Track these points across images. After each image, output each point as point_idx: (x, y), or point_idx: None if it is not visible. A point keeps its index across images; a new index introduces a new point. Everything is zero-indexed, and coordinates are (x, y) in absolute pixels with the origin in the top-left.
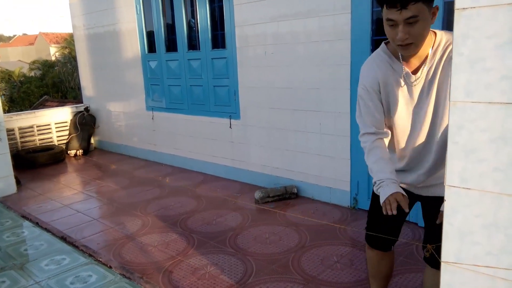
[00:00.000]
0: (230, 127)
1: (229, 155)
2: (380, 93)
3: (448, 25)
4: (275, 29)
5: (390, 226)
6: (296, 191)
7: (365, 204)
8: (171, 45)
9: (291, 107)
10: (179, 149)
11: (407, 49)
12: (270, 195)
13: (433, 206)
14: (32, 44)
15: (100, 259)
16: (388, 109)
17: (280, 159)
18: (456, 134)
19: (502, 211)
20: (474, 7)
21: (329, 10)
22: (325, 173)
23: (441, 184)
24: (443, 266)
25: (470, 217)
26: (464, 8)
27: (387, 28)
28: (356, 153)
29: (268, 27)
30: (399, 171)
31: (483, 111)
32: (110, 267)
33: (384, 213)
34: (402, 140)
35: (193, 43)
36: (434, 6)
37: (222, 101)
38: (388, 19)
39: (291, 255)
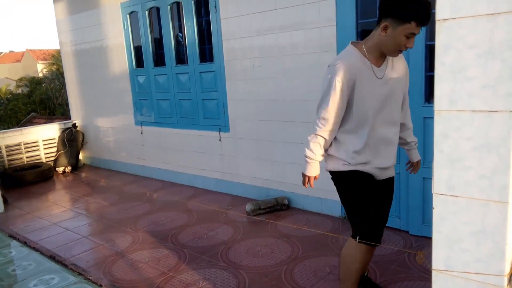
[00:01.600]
0: (219, 140)
1: (219, 168)
2: (353, 88)
3: (431, 36)
4: (262, 42)
5: (378, 213)
6: (287, 202)
7: None
8: (159, 60)
9: (279, 119)
10: (169, 163)
11: (401, 52)
12: (261, 207)
13: (387, 187)
14: (19, 61)
15: (90, 278)
16: (358, 101)
17: (270, 170)
18: (441, 143)
19: (489, 218)
20: (455, 18)
21: (315, 22)
22: (316, 184)
23: (392, 166)
24: (434, 274)
25: (458, 224)
26: (445, 19)
27: (402, 39)
28: None
29: (255, 40)
30: (365, 155)
31: (467, 119)
32: (101, 285)
33: (304, 185)
34: (369, 127)
35: (181, 57)
36: None
37: (211, 114)
38: (412, 33)
39: (283, 267)
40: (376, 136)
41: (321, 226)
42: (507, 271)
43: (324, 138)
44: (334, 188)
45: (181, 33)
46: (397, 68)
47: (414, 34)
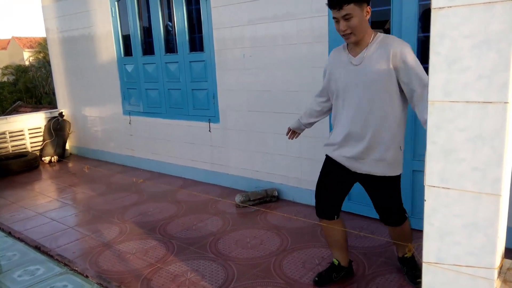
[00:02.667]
0: (209, 130)
1: (209, 159)
2: (327, 74)
3: (423, 28)
4: (253, 31)
5: (330, 193)
6: (277, 194)
7: (346, 205)
8: (147, 48)
9: (270, 110)
10: (158, 154)
11: (349, 38)
12: (251, 199)
13: (373, 186)
14: (4, 48)
15: (76, 269)
16: (334, 86)
17: (260, 162)
18: (435, 134)
19: (482, 211)
20: (450, 7)
21: (306, 12)
22: (306, 176)
23: (375, 162)
24: (424, 266)
25: (450, 217)
26: (440, 8)
27: (335, 24)
28: None
29: (246, 30)
30: (339, 144)
31: (461, 110)
32: (87, 276)
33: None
34: (343, 113)
35: (170, 46)
36: (368, 6)
37: (201, 105)
38: (333, 17)
39: (272, 259)
40: (346, 124)
41: (310, 217)
42: (498, 264)
43: (311, 105)
44: None
45: (171, 22)
46: (375, 56)
47: (335, 18)
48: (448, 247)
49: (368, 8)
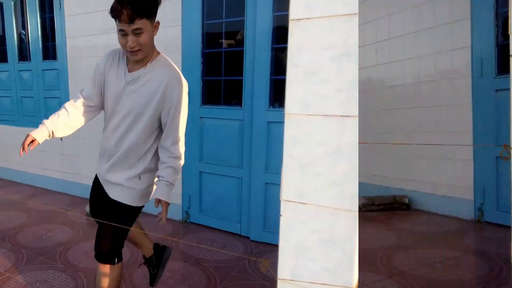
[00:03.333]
0: (61, 139)
1: (60, 167)
2: (103, 77)
3: (277, 39)
4: (107, 41)
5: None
6: None
7: (197, 217)
8: (0, 56)
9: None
10: (9, 161)
11: (135, 54)
12: None
13: (107, 207)
14: None
15: None
16: (104, 93)
17: None
18: (291, 148)
19: (339, 227)
20: (309, 18)
21: (160, 22)
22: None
23: (116, 186)
24: (279, 283)
25: (306, 233)
26: (298, 19)
27: (119, 37)
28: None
29: (100, 39)
30: (99, 158)
31: (319, 124)
32: None
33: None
34: (107, 126)
35: (23, 54)
36: (156, 21)
37: (53, 113)
38: (120, 30)
39: (123, 271)
40: (106, 137)
41: (161, 230)
42: (355, 282)
43: (76, 111)
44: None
45: (24, 30)
46: (149, 80)
47: (123, 31)
48: (304, 263)
49: (157, 23)
